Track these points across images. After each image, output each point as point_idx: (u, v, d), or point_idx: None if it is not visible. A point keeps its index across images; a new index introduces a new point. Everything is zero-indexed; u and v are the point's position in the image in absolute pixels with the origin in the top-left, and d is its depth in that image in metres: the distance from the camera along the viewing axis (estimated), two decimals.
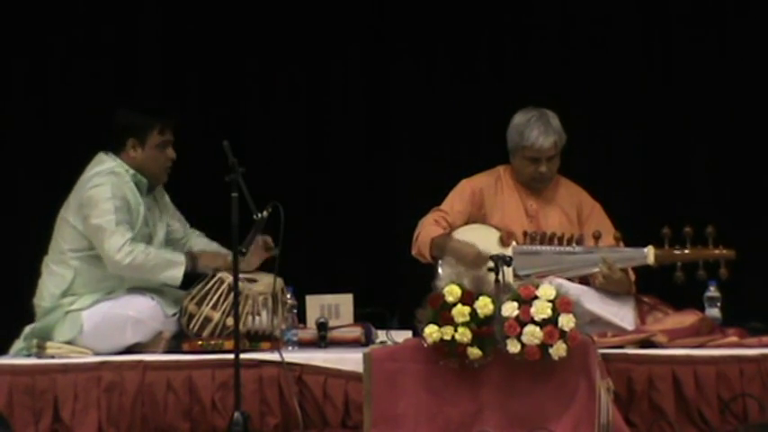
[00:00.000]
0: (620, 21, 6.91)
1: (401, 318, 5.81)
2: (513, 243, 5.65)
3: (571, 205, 5.89)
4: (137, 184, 5.74)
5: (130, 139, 5.74)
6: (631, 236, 5.66)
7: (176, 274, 5.65)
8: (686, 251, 5.46)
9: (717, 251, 5.44)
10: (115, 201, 5.64)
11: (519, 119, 5.82)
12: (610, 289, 5.53)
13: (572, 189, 5.94)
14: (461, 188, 5.93)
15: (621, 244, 5.60)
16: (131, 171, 5.74)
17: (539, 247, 5.60)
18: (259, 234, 5.52)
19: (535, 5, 6.92)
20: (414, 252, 5.85)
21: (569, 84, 6.86)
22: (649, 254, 5.51)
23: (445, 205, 5.90)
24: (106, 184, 5.66)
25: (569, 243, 5.59)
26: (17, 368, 5.46)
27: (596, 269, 5.54)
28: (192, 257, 5.71)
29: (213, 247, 5.92)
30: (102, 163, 5.75)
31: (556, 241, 5.60)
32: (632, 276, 5.67)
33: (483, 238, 5.66)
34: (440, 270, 5.68)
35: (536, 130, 5.75)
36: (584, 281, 5.61)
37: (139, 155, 5.76)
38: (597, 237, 5.56)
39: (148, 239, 5.76)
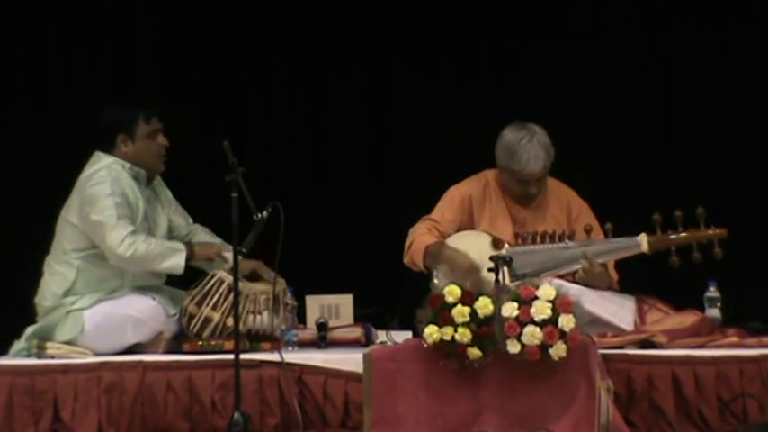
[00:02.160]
0: (619, 19, 6.91)
1: (401, 318, 5.81)
2: (507, 246, 5.64)
3: (560, 208, 5.88)
4: (135, 178, 5.76)
5: (120, 135, 5.77)
6: (631, 233, 5.66)
7: (178, 261, 5.67)
8: (679, 235, 5.47)
9: (709, 231, 5.46)
10: (115, 197, 5.65)
11: (509, 138, 5.74)
12: (590, 283, 5.53)
13: (560, 190, 5.93)
14: (450, 196, 5.91)
15: (611, 235, 5.60)
16: (128, 165, 5.76)
17: (531, 247, 5.60)
18: (258, 234, 5.52)
19: (534, 10, 6.92)
20: (406, 261, 5.85)
21: (569, 86, 6.86)
22: (643, 241, 5.52)
23: (436, 214, 5.88)
24: (105, 181, 5.68)
25: (561, 239, 5.60)
26: (17, 368, 5.46)
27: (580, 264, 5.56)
28: (189, 246, 5.73)
29: (217, 241, 5.92)
30: (99, 161, 5.76)
31: (548, 239, 5.60)
32: (615, 277, 5.69)
33: (476, 245, 5.65)
34: (435, 279, 5.70)
35: (526, 154, 5.68)
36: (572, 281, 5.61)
37: (131, 149, 5.78)
38: (589, 230, 5.57)
39: (149, 234, 5.76)
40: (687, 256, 5.44)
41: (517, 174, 5.73)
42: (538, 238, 5.60)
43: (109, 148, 5.78)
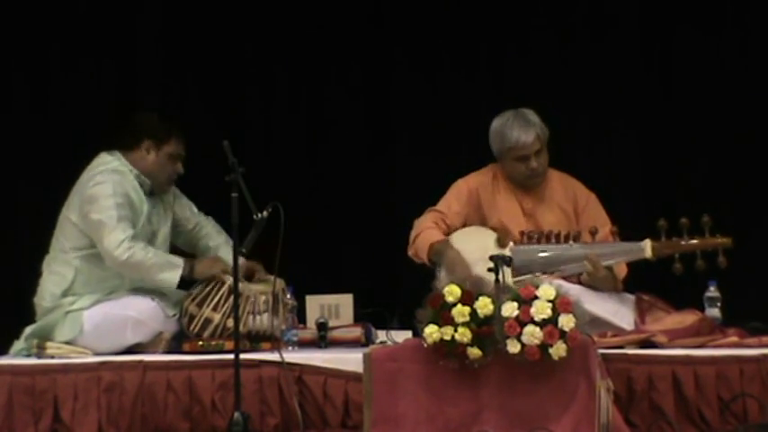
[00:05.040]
0: (620, 19, 6.90)
1: (401, 318, 5.81)
2: (511, 244, 5.64)
3: (566, 199, 5.88)
4: (140, 184, 5.75)
5: (147, 141, 5.76)
6: (631, 233, 5.66)
7: (173, 276, 5.65)
8: (683, 242, 5.46)
9: (714, 240, 5.44)
10: (117, 198, 5.65)
11: (496, 123, 5.82)
12: (595, 285, 5.53)
13: (566, 182, 5.93)
14: (458, 188, 5.91)
15: (617, 238, 5.59)
16: (135, 171, 5.74)
17: (536, 246, 5.60)
18: (258, 234, 5.52)
19: (535, 5, 6.92)
20: (410, 253, 5.85)
21: (569, 82, 6.86)
22: (647, 247, 5.51)
23: (442, 206, 5.88)
24: (108, 181, 5.67)
25: (566, 240, 5.59)
26: (17, 368, 5.46)
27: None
28: (190, 263, 5.70)
29: (222, 239, 5.91)
30: (104, 162, 5.76)
31: (553, 239, 5.60)
32: (622, 273, 5.68)
33: (480, 243, 5.65)
34: (438, 274, 5.70)
35: (515, 128, 5.74)
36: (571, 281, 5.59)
37: (151, 158, 5.77)
38: (594, 233, 5.56)
39: (151, 237, 5.76)
40: (690, 263, 5.42)
41: (513, 150, 5.76)
42: (543, 238, 5.60)
43: (128, 149, 5.76)
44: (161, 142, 5.77)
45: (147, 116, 5.87)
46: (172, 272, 5.65)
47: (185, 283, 5.70)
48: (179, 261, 5.69)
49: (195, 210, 6.01)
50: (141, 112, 5.92)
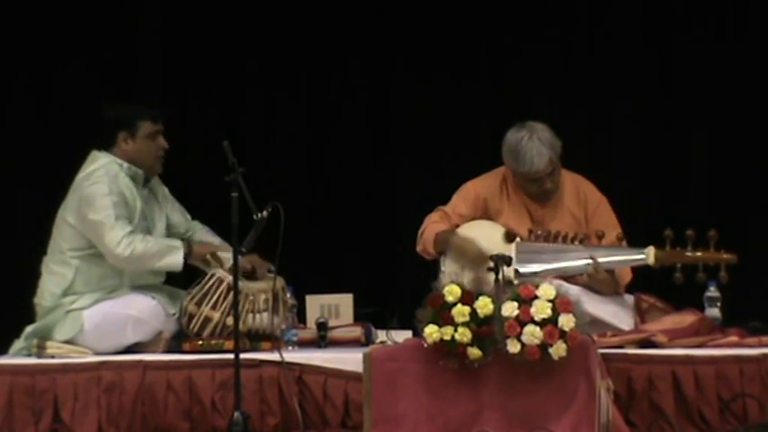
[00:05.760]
0: (620, 19, 6.90)
1: (401, 318, 5.81)
2: (517, 239, 5.63)
3: (577, 204, 5.83)
4: (132, 178, 5.76)
5: (121, 133, 5.77)
6: (631, 234, 5.65)
7: (176, 258, 5.66)
8: (687, 253, 5.44)
9: (718, 255, 5.41)
10: (112, 196, 5.65)
11: (510, 141, 5.69)
12: (595, 287, 5.53)
13: (578, 184, 5.87)
14: (466, 192, 5.87)
15: (624, 242, 5.59)
16: (126, 165, 5.76)
17: (542, 245, 5.59)
18: (258, 234, 5.52)
19: (533, 4, 6.91)
20: (418, 248, 5.83)
21: (569, 84, 6.85)
22: (650, 254, 5.49)
23: (449, 207, 5.85)
24: (102, 181, 5.68)
25: (572, 242, 5.59)
26: (17, 368, 5.46)
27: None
28: (187, 244, 5.73)
29: (216, 240, 5.92)
30: (96, 161, 5.76)
31: (560, 239, 5.59)
32: (627, 278, 5.67)
33: (487, 235, 5.64)
34: (442, 266, 5.70)
35: (529, 153, 5.63)
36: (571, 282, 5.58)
37: (131, 147, 5.77)
38: (600, 236, 5.55)
39: (147, 233, 5.76)
40: (691, 273, 5.40)
41: (526, 174, 5.70)
42: (551, 237, 5.59)
43: (108, 145, 5.78)
44: (132, 129, 5.77)
45: (112, 109, 5.86)
46: (173, 254, 5.67)
47: (188, 269, 5.70)
48: (177, 243, 5.73)
49: (188, 216, 6.02)
50: (105, 106, 5.89)
